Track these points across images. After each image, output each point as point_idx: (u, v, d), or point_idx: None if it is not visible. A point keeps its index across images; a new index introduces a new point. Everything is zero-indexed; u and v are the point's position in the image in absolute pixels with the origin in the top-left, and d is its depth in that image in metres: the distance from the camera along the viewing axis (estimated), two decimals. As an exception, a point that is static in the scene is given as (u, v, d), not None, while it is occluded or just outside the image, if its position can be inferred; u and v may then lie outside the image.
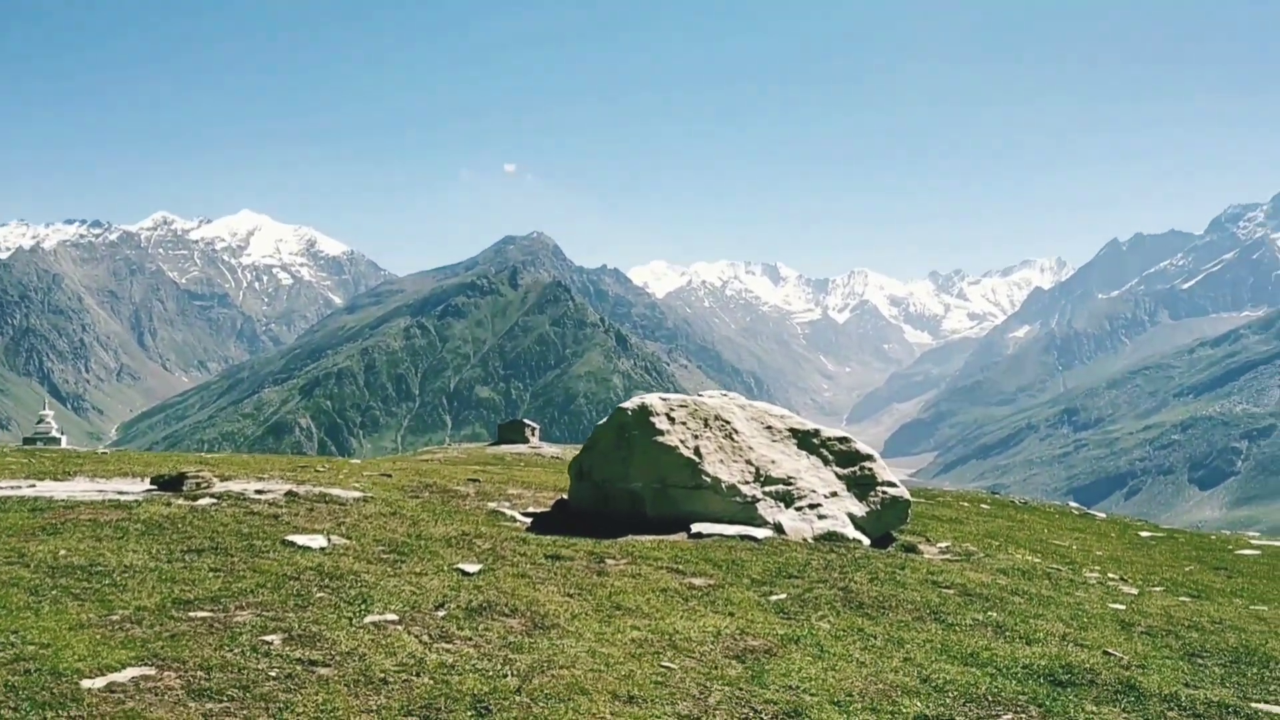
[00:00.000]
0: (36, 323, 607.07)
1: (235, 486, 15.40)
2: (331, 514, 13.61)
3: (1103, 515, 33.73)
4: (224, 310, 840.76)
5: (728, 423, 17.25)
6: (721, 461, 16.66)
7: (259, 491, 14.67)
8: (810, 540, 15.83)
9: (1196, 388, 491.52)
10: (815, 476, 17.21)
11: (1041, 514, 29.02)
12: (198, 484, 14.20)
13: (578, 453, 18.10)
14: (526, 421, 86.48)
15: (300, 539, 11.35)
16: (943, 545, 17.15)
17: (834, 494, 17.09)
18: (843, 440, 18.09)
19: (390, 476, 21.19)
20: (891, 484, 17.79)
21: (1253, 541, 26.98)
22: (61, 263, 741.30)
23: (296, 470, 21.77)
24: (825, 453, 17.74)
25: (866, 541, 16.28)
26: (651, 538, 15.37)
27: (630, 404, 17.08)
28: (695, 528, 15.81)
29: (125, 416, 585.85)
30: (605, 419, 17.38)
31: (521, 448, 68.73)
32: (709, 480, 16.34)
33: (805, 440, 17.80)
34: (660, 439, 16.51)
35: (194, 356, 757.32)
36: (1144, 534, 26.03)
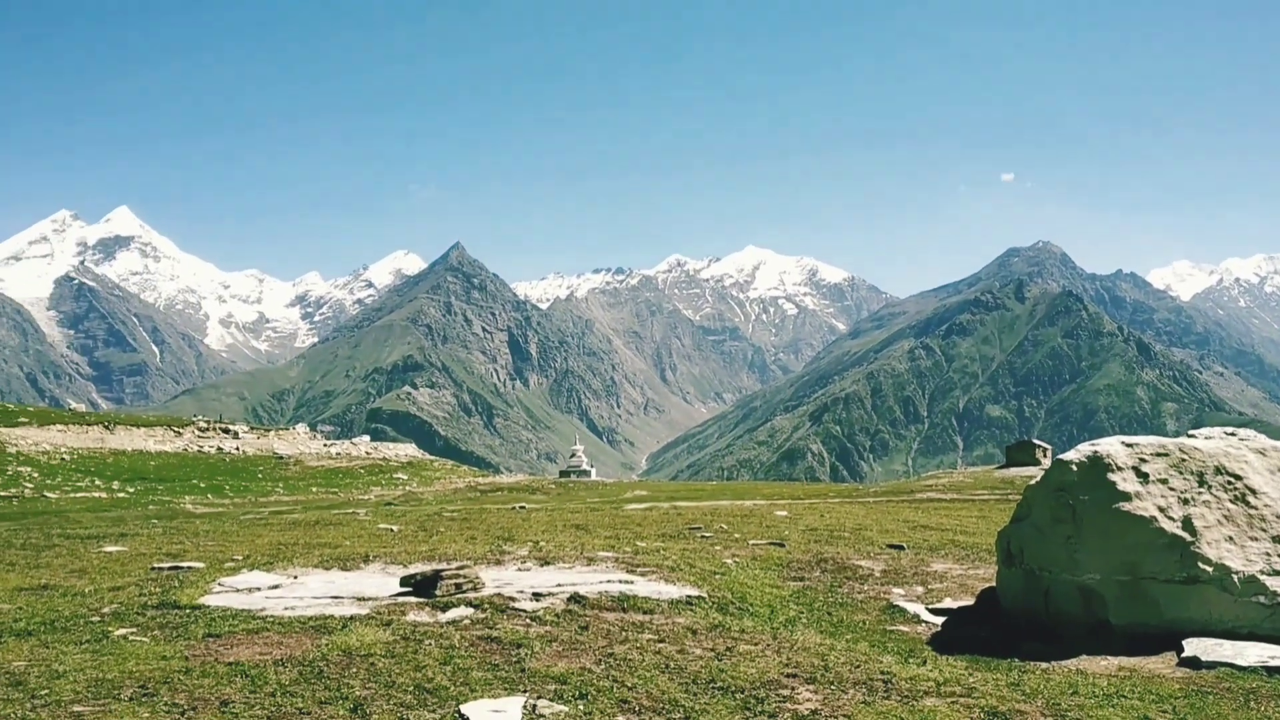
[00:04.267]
0: (574, 364, 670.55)
1: (522, 581, 11.97)
2: (606, 638, 9.66)
3: None
4: (735, 343, 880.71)
5: (1238, 478, 11.23)
6: (1230, 540, 10.75)
7: (538, 595, 11.07)
8: (1398, 671, 9.57)
9: None
10: (1400, 561, 10.71)
11: None
12: (457, 585, 10.88)
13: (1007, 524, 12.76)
14: (1036, 442, 78.95)
15: (479, 707, 7.50)
16: None
17: None
18: None
19: (784, 545, 16.99)
20: None
21: None
22: (592, 309, 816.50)
23: (681, 535, 18.25)
24: None
25: None
26: (1115, 663, 9.94)
27: (1075, 454, 11.60)
28: (1190, 647, 10.11)
29: (653, 447, 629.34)
30: (1038, 478, 12.01)
31: (1032, 470, 61.69)
32: (1210, 570, 10.54)
33: (1378, 502, 11.24)
34: (1125, 506, 10.92)
35: (710, 388, 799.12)
36: None
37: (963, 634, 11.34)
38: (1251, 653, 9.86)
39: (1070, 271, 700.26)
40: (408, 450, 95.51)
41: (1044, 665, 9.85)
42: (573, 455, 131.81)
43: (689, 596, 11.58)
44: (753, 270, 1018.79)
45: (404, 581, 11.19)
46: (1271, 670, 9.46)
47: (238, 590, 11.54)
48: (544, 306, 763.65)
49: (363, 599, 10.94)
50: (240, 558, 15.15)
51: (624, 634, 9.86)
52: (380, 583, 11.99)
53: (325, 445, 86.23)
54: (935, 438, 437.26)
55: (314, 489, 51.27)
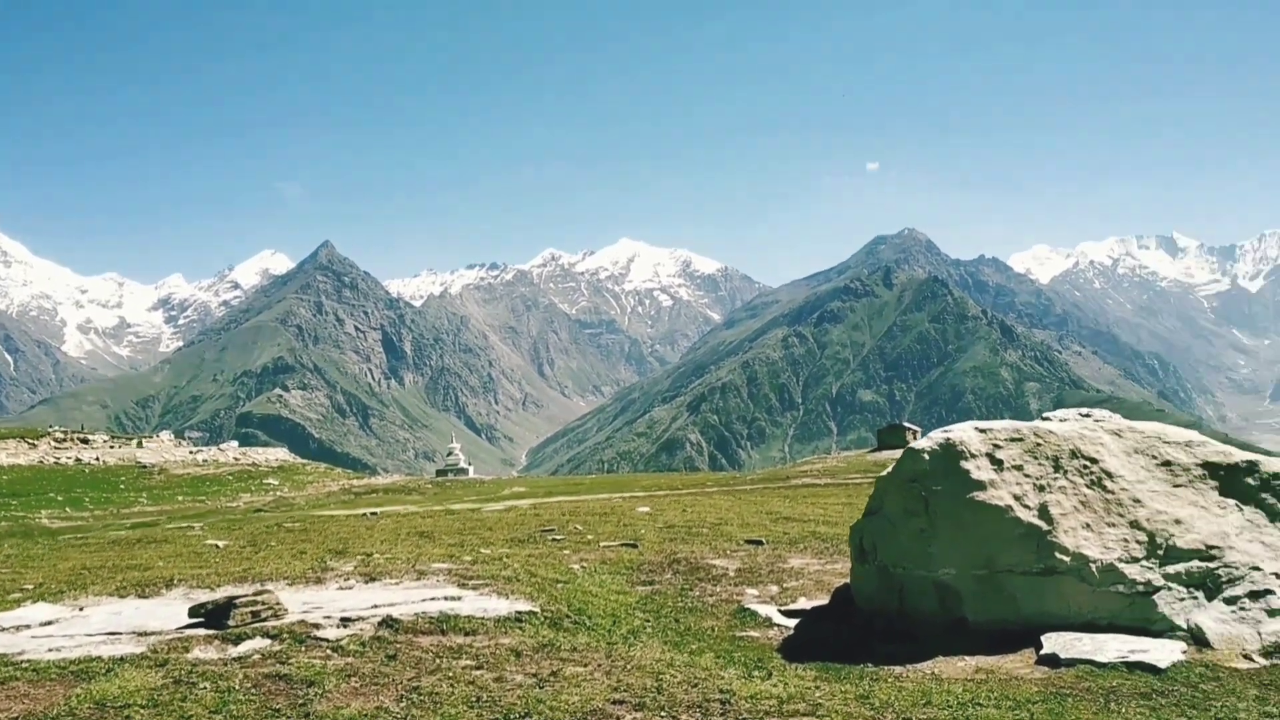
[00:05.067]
0: (450, 361, 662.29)
1: (336, 604, 10.81)
2: (415, 668, 8.57)
3: None
4: (612, 336, 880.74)
5: (1094, 461, 10.71)
6: (1087, 527, 10.23)
7: (346, 620, 9.91)
8: (1259, 658, 9.14)
9: None
10: (1256, 542, 10.31)
11: None
12: (255, 613, 9.64)
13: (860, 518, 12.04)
14: (907, 425, 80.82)
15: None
16: None
17: (1294, 569, 10.11)
18: (1301, 476, 10.91)
19: (636, 546, 16.14)
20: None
21: None
22: (467, 305, 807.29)
23: (532, 538, 17.23)
24: (1272, 500, 10.71)
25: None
26: (973, 664, 9.31)
27: (927, 442, 10.96)
28: (1048, 643, 9.53)
29: (532, 443, 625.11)
30: (890, 469, 11.35)
31: (902, 453, 62.95)
32: (1067, 560, 9.98)
33: (1233, 481, 10.80)
34: (979, 495, 10.31)
35: (589, 381, 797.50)
36: None
37: (816, 637, 10.60)
38: (1111, 647, 9.31)
39: (935, 258, 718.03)
40: (279, 455, 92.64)
41: (898, 670, 9.17)
42: (449, 454, 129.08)
43: (519, 612, 10.52)
44: (627, 263, 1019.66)
45: (193, 612, 9.89)
46: (1131, 666, 8.92)
47: (3, 629, 10.10)
48: (418, 304, 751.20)
49: (144, 634, 9.57)
50: (31, 587, 13.58)
51: (437, 662, 8.76)
52: (173, 613, 10.62)
53: (192, 452, 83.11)
54: (810, 424, 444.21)
55: (180, 498, 49.12)
